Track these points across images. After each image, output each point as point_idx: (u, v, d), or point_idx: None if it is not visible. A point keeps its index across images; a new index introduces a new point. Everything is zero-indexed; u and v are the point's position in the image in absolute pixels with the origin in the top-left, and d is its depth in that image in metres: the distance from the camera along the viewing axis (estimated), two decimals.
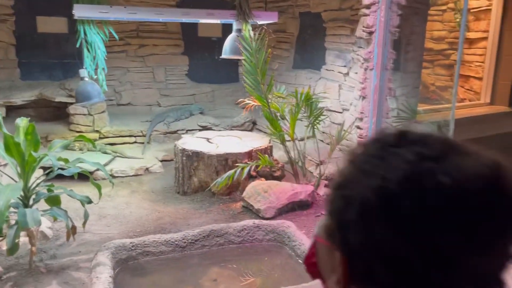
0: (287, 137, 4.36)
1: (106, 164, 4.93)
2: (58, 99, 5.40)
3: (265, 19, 4.41)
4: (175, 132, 5.73)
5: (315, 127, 4.38)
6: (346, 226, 0.52)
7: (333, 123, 5.13)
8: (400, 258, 0.48)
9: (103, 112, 5.48)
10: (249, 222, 3.43)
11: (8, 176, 3.24)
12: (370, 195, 0.49)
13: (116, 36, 4.61)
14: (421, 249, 0.47)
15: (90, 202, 2.85)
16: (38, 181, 3.06)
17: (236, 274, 3.08)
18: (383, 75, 4.22)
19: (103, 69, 4.53)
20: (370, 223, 0.49)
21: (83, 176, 3.23)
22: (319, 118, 4.33)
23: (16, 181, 3.02)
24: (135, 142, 5.61)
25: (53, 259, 3.14)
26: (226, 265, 3.19)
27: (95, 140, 5.31)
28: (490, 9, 5.65)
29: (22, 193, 2.93)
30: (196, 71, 6.53)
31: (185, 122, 5.91)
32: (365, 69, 4.37)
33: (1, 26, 5.51)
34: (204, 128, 5.81)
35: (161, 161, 5.25)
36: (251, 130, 6.03)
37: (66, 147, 2.98)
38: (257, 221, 3.45)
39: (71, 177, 3.19)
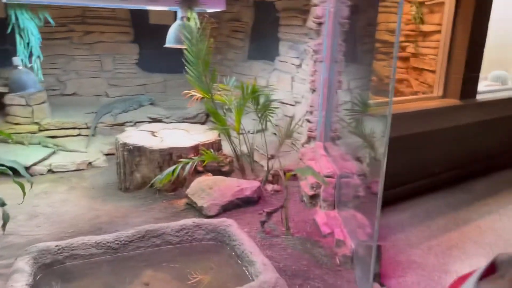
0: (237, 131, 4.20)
1: (45, 158, 4.65)
2: None
3: (212, 6, 4.21)
4: (122, 124, 5.47)
5: (268, 120, 4.24)
6: None
7: (286, 116, 5.01)
8: None
9: (43, 102, 5.14)
10: (188, 221, 3.26)
11: None
12: None
13: (52, 22, 4.29)
14: None
15: (3, 204, 2.60)
16: None
17: (170, 278, 2.92)
18: (332, 67, 4.11)
19: (38, 57, 4.22)
20: None
21: (18, 172, 2.97)
22: (268, 111, 4.18)
23: None
24: (79, 134, 5.31)
25: None
26: (161, 267, 3.02)
27: (34, 133, 4.99)
28: (444, 2, 5.63)
29: None
30: (146, 60, 6.25)
31: (134, 114, 5.65)
32: (315, 61, 4.25)
33: None
34: (154, 120, 5.57)
35: (106, 155, 4.99)
36: (204, 123, 5.84)
37: None
38: (197, 220, 3.28)
39: (5, 173, 2.91)
